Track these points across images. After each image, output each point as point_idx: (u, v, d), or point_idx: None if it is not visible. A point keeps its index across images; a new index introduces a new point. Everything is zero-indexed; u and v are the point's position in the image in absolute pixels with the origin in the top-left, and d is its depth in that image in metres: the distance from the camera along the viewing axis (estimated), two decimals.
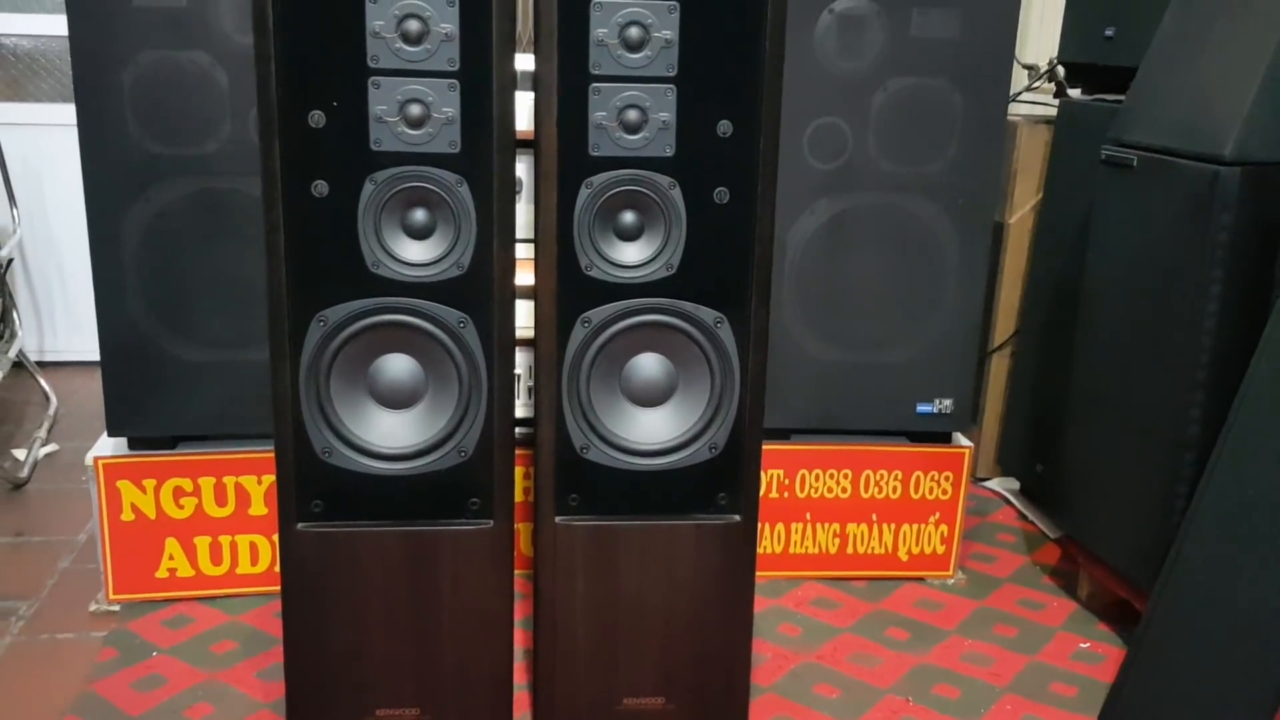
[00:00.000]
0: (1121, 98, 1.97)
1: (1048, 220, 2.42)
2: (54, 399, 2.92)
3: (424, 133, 1.40)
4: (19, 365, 2.94)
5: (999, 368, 2.59)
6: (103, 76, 1.76)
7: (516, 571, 1.60)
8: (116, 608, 1.97)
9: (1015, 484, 2.61)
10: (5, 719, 1.67)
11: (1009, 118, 2.45)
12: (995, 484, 2.64)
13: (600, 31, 1.41)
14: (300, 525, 1.49)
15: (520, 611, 1.67)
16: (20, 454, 2.58)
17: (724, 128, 1.46)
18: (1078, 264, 2.08)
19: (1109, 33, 2.16)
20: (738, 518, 1.57)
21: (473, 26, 1.38)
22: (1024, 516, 2.48)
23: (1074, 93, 2.43)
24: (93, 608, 1.97)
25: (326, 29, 1.36)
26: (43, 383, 2.97)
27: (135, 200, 1.82)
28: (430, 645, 1.56)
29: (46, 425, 2.77)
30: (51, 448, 2.67)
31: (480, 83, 1.40)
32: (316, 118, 1.38)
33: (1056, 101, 2.46)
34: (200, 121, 1.80)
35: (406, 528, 1.51)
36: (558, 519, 1.55)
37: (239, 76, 1.78)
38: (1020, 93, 2.63)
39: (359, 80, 1.38)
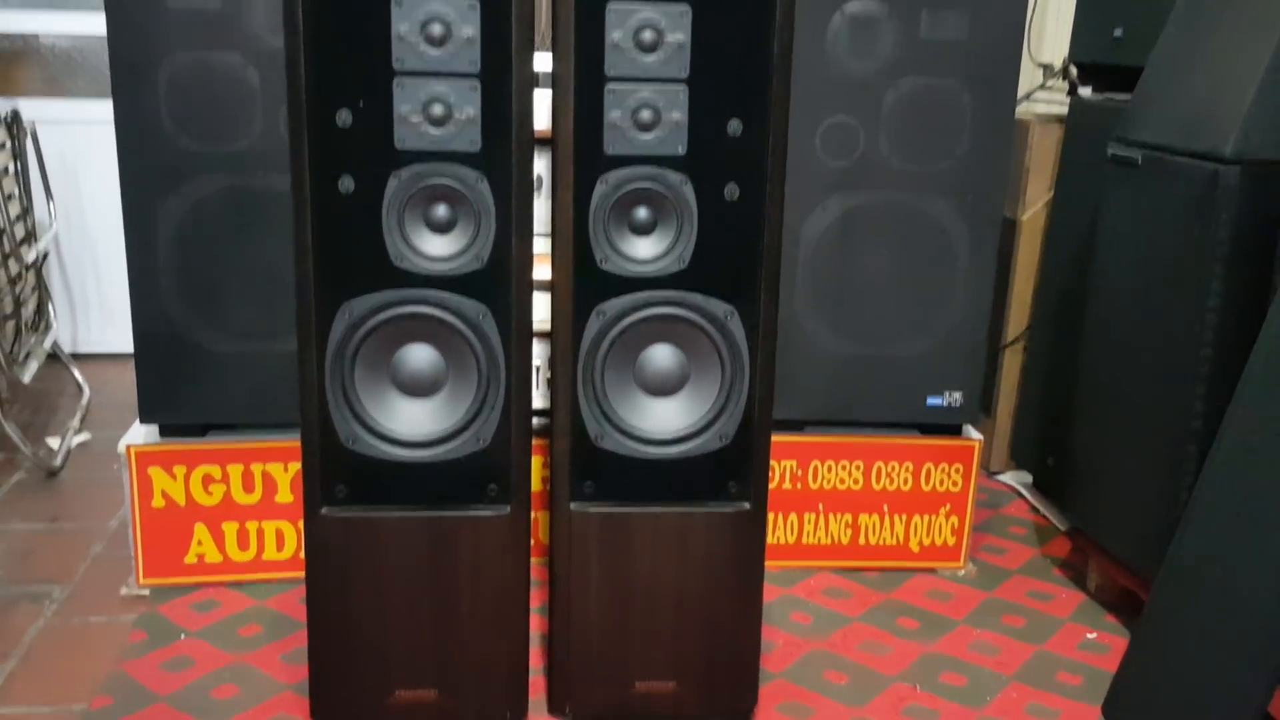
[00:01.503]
0: (1130, 96, 2.00)
1: (1059, 217, 2.45)
2: (87, 390, 2.99)
3: (446, 131, 1.45)
4: (53, 357, 3.02)
5: (1012, 363, 2.62)
6: (139, 75, 1.82)
7: (533, 560, 1.64)
8: (146, 592, 2.02)
9: (1028, 478, 2.63)
10: (40, 697, 1.74)
11: (1023, 116, 2.48)
12: (1008, 478, 2.67)
13: (615, 34, 1.45)
14: (325, 509, 1.55)
15: (536, 600, 1.72)
16: (54, 442, 2.65)
17: (734, 127, 1.50)
18: (1087, 260, 2.11)
19: (1118, 33, 2.19)
20: (748, 505, 1.61)
21: (494, 30, 1.43)
22: (1036, 510, 2.51)
23: (1085, 91, 2.46)
24: (124, 592, 2.03)
25: (354, 32, 1.41)
26: (76, 374, 3.05)
27: (169, 194, 1.87)
28: (449, 628, 1.60)
29: (79, 415, 2.84)
30: (84, 437, 2.74)
31: (500, 83, 1.45)
32: (343, 117, 1.43)
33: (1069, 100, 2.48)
34: (232, 119, 1.86)
35: (427, 513, 1.56)
36: (573, 505, 1.60)
37: (270, 76, 1.83)
38: (1033, 92, 2.66)
39: (384, 81, 1.43)
